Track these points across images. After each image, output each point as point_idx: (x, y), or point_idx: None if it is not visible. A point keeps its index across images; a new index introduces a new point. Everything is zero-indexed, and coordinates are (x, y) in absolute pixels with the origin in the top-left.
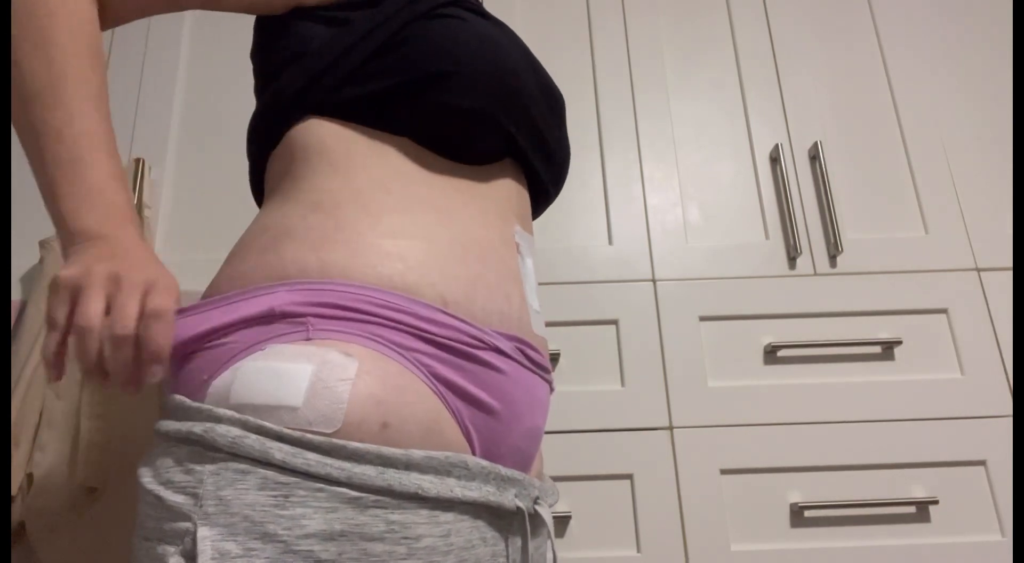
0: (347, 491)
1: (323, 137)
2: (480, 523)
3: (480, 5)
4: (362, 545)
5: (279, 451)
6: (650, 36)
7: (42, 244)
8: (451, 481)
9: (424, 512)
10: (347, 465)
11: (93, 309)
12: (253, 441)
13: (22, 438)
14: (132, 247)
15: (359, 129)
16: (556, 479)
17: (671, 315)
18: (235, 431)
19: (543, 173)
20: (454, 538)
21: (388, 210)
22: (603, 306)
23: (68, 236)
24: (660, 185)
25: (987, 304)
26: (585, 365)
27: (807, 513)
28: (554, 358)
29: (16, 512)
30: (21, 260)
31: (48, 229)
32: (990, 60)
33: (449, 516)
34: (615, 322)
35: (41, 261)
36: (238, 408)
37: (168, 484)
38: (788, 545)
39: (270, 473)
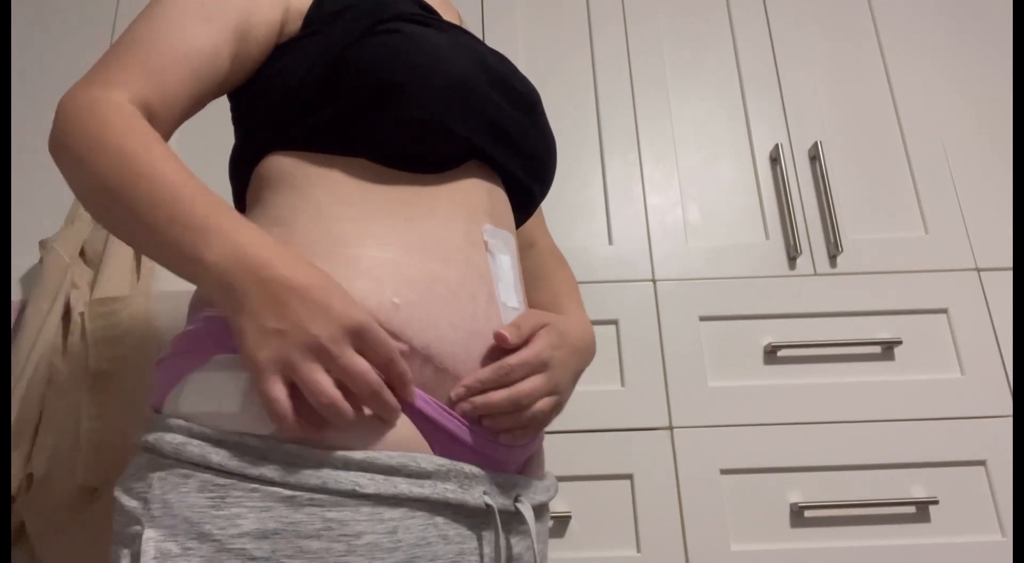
0: (281, 490)
1: (284, 167)
2: (439, 520)
3: (429, 15)
4: (297, 543)
5: (216, 454)
6: (650, 36)
7: (42, 244)
8: (397, 479)
9: (365, 509)
10: (282, 465)
11: (328, 389)
12: (194, 446)
13: (22, 438)
14: (272, 260)
15: (317, 157)
16: (556, 479)
17: (671, 315)
18: (179, 438)
19: (517, 171)
20: (402, 535)
21: (343, 220)
22: (603, 306)
23: (204, 275)
24: (660, 185)
25: (987, 304)
26: None
27: (807, 513)
28: None
29: (16, 512)
30: (21, 260)
31: (48, 229)
32: (990, 60)
33: (396, 513)
34: (615, 322)
35: (41, 261)
36: (187, 416)
37: (128, 491)
38: (788, 545)
39: (208, 476)
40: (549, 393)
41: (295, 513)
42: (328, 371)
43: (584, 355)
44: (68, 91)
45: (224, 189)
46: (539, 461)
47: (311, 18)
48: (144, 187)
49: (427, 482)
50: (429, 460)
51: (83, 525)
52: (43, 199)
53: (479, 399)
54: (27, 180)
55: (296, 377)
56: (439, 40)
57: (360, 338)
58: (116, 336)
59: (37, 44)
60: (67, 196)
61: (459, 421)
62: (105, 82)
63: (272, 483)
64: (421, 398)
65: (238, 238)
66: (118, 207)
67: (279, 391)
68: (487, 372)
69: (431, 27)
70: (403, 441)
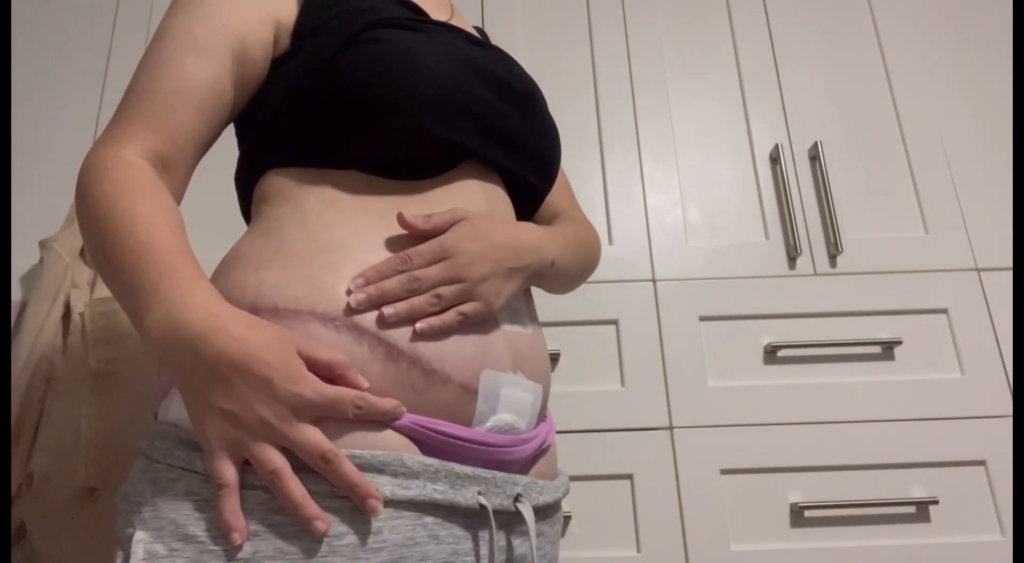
0: (261, 493)
1: (280, 182)
2: (429, 520)
3: (415, 17)
4: (277, 543)
5: (201, 460)
6: (650, 36)
7: (42, 244)
8: (382, 479)
9: (347, 510)
10: None
11: (280, 471)
12: (181, 452)
13: (22, 438)
14: (208, 331)
15: (310, 171)
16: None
17: (671, 315)
18: (168, 444)
19: (514, 166)
20: (387, 535)
21: (330, 225)
22: (603, 306)
23: (147, 343)
24: (660, 185)
25: (987, 304)
26: (585, 365)
27: (807, 513)
28: (554, 358)
29: (16, 512)
30: (21, 260)
31: (48, 229)
32: (990, 60)
33: (380, 513)
34: (615, 322)
35: (41, 261)
36: (176, 423)
37: (124, 495)
38: (788, 545)
39: (194, 480)
40: (450, 281)
41: (275, 515)
42: (279, 447)
43: (513, 251)
44: (90, 149)
45: (228, 148)
46: (550, 460)
47: (298, 32)
48: (116, 249)
49: (414, 483)
50: (415, 460)
51: (83, 525)
52: (43, 199)
53: (371, 288)
54: (27, 180)
55: (250, 457)
56: (421, 45)
57: (307, 411)
58: (116, 336)
59: (37, 44)
60: (67, 196)
61: (447, 437)
62: (115, 139)
63: (253, 487)
64: (409, 419)
65: (176, 302)
66: (103, 271)
67: (231, 475)
68: (385, 262)
69: (415, 30)
70: (389, 442)
